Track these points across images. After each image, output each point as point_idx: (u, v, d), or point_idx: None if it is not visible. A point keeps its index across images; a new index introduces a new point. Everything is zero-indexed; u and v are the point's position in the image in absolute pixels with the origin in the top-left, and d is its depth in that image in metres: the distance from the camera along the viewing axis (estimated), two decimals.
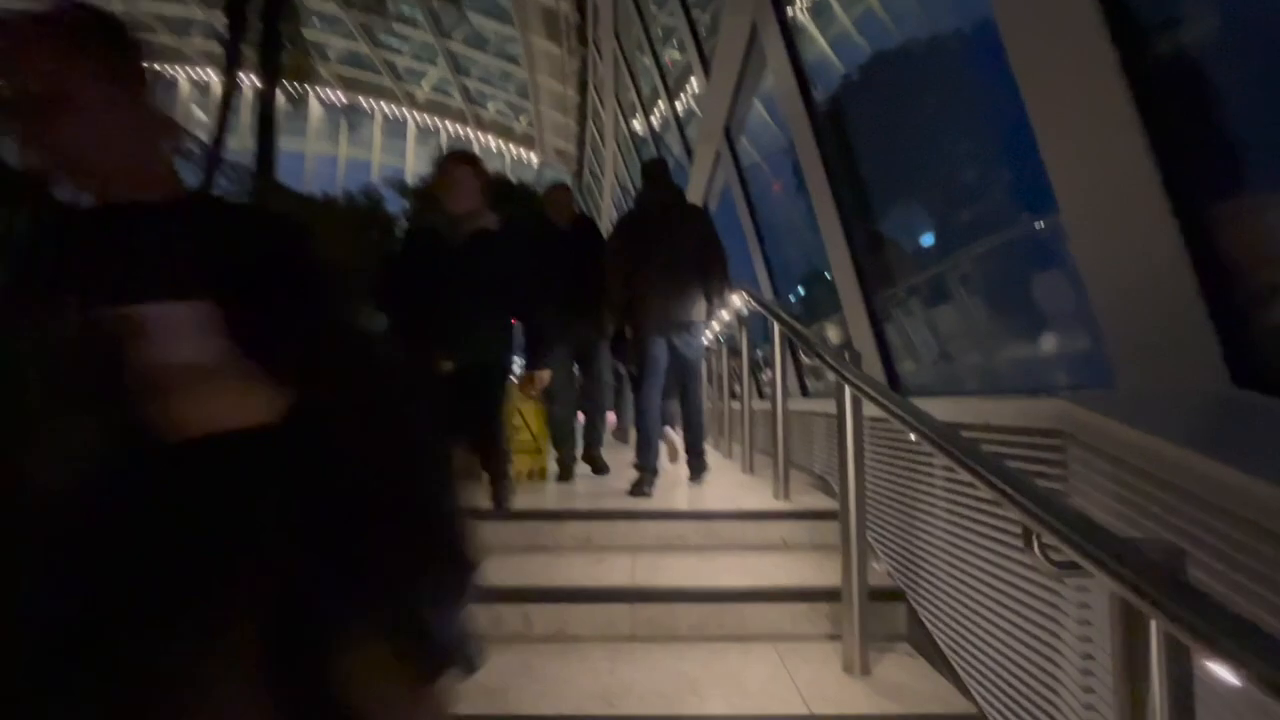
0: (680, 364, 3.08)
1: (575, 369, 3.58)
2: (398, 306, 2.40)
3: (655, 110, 10.26)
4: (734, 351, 4.58)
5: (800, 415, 3.69)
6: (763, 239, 5.18)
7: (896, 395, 1.46)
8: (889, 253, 3.46)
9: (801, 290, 6.07)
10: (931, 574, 1.88)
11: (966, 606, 1.68)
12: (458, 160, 2.56)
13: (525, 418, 3.48)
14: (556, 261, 3.18)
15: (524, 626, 1.89)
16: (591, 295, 3.17)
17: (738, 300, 3.21)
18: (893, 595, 1.96)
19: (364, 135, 27.88)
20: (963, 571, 1.70)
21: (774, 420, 2.71)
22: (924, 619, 1.89)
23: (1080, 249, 1.53)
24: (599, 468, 3.63)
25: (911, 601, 1.96)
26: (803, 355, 4.68)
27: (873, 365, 3.19)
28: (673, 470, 3.45)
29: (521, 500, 2.72)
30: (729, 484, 3.24)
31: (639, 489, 2.82)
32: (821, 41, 4.46)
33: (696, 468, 3.20)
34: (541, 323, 2.55)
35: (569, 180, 24.77)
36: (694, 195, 7.15)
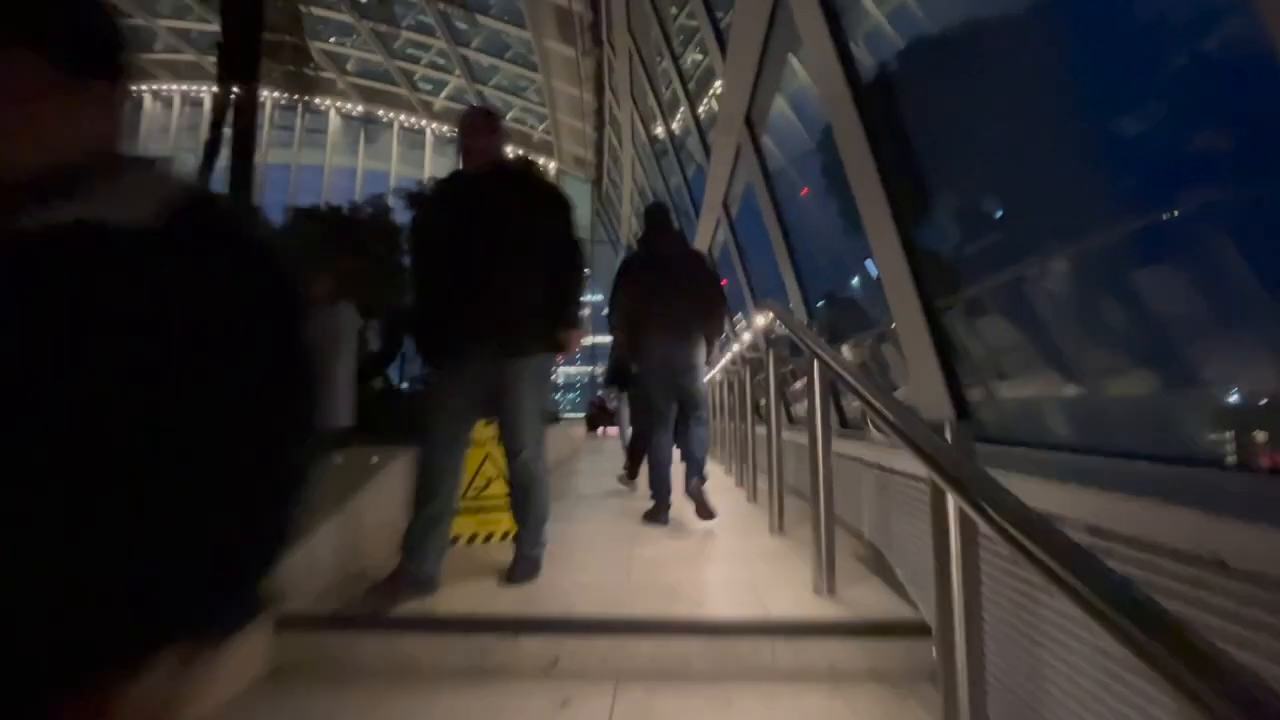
0: (684, 402, 3.21)
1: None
2: None
3: (675, 111, 9.65)
4: (759, 368, 3.88)
5: (842, 458, 2.97)
6: (791, 246, 4.47)
7: (1077, 549, 0.75)
8: (954, 253, 2.73)
9: (825, 301, 5.36)
10: None
11: None
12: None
13: (498, 466, 2.82)
14: (450, 242, 2.07)
15: None
16: (519, 293, 2.03)
17: (761, 320, 2.52)
18: None
19: (382, 147, 27.79)
20: None
21: (814, 487, 1.99)
22: None
23: None
24: (516, 574, 2.15)
25: None
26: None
27: (937, 401, 2.47)
28: (675, 547, 2.73)
29: (471, 594, 2.04)
30: (750, 555, 2.52)
31: (655, 516, 3.11)
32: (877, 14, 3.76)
33: (699, 511, 3.10)
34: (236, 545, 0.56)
35: (588, 185, 24.20)
36: (713, 196, 6.46)
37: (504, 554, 2.56)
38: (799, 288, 4.40)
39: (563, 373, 32.66)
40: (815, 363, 1.92)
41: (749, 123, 4.71)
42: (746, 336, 3.18)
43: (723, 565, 2.36)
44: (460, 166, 2.18)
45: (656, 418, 3.23)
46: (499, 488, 2.82)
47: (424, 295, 2.16)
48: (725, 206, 6.36)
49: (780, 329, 2.37)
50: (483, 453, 2.80)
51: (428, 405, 2.09)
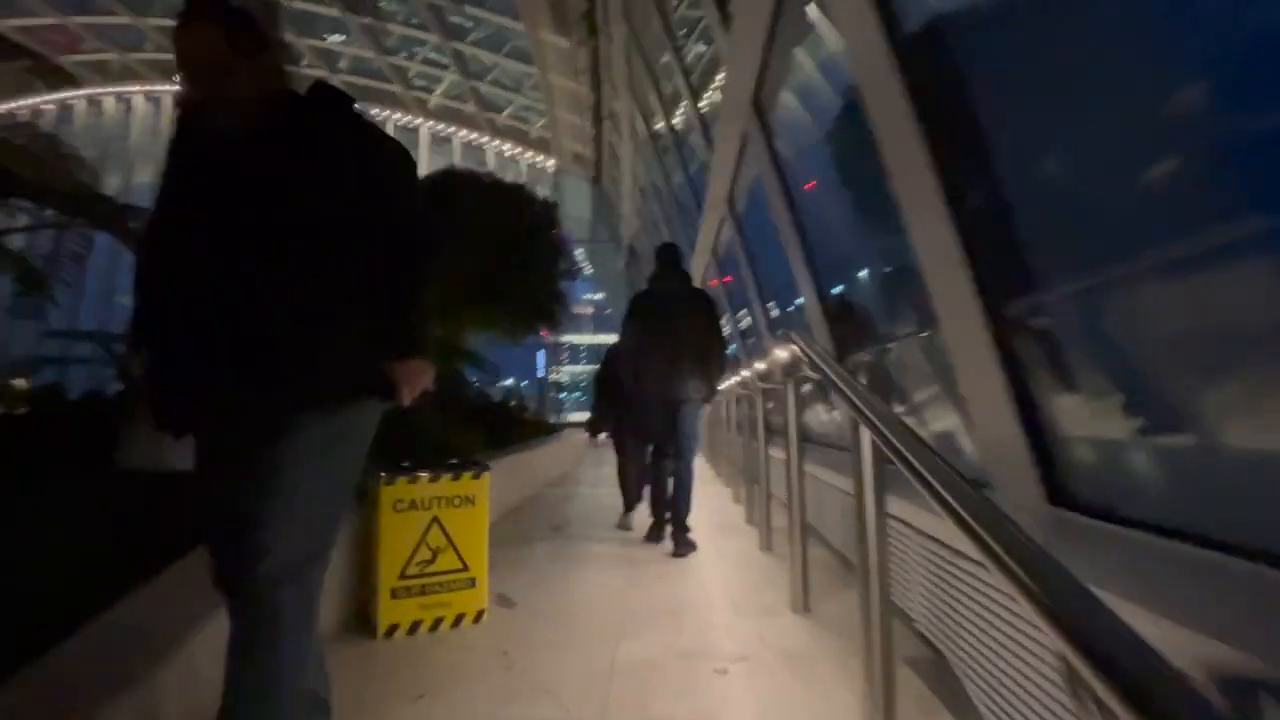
0: (676, 434, 3.29)
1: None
2: None
3: (677, 106, 9.05)
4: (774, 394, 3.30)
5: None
6: (809, 250, 3.87)
7: None
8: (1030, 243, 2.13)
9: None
10: None
11: None
12: None
13: (448, 531, 2.25)
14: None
15: None
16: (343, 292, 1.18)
17: (783, 354, 1.93)
18: None
19: None
20: None
21: (865, 602, 1.39)
22: None
23: None
24: None
25: None
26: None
27: (1017, 466, 1.88)
28: (672, 641, 2.09)
29: None
30: (771, 658, 1.92)
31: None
32: None
33: (681, 541, 3.22)
34: None
35: (588, 183, 23.36)
36: (718, 191, 5.87)
37: (457, 649, 1.98)
38: (817, 298, 3.81)
39: (566, 372, 29.92)
40: (867, 434, 1.32)
41: (757, 106, 4.12)
42: (760, 366, 2.68)
43: (736, 683, 1.77)
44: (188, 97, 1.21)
45: (641, 443, 3.54)
46: (449, 560, 2.25)
47: (146, 320, 1.23)
48: (730, 203, 5.77)
49: (810, 373, 1.77)
50: (428, 516, 2.22)
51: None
